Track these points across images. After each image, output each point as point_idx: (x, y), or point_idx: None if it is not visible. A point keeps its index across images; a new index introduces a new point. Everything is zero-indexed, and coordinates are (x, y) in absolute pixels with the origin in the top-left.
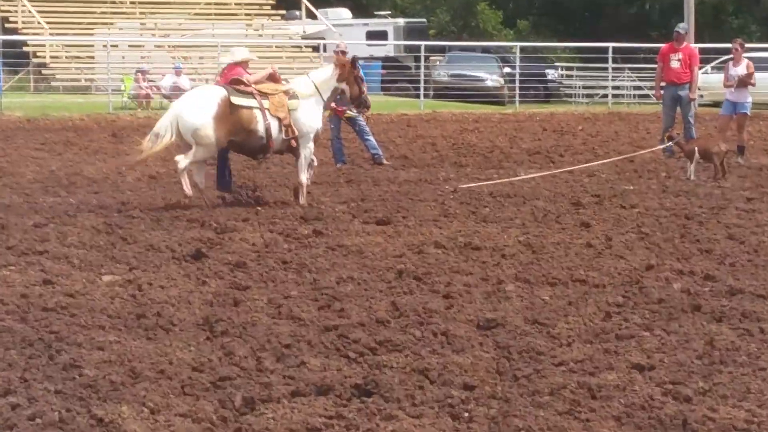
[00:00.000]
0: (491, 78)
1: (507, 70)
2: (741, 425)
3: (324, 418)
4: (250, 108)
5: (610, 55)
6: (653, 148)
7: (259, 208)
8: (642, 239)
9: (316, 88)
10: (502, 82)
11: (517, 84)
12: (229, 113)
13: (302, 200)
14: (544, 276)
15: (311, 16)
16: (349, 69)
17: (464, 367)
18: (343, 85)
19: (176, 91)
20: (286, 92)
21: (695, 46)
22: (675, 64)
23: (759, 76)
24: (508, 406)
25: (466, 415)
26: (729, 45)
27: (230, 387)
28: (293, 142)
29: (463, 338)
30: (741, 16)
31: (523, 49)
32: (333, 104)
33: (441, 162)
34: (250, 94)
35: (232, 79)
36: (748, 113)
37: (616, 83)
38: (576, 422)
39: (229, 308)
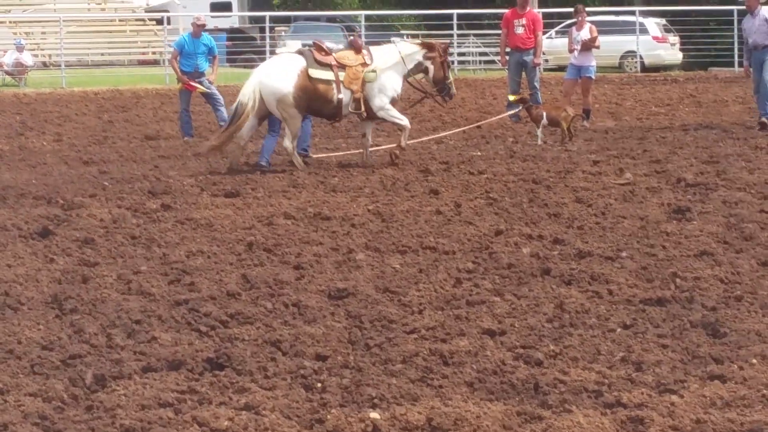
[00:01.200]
0: (337, 47)
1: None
2: (592, 387)
3: (176, 392)
4: (325, 81)
5: (455, 21)
6: (501, 115)
7: (106, 184)
8: (491, 205)
9: (402, 59)
10: None
11: None
12: (307, 84)
13: (403, 141)
14: (394, 244)
15: None
16: (439, 51)
17: (316, 337)
18: (428, 63)
19: (18, 67)
20: (364, 64)
21: (539, 11)
22: (519, 30)
23: (602, 40)
24: (361, 375)
25: (319, 385)
26: (572, 9)
27: (81, 365)
28: (364, 113)
29: (315, 309)
30: None
31: (368, 18)
32: (186, 79)
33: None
34: (328, 66)
35: (315, 43)
36: (593, 77)
37: (462, 50)
38: (429, 389)
39: (77, 285)
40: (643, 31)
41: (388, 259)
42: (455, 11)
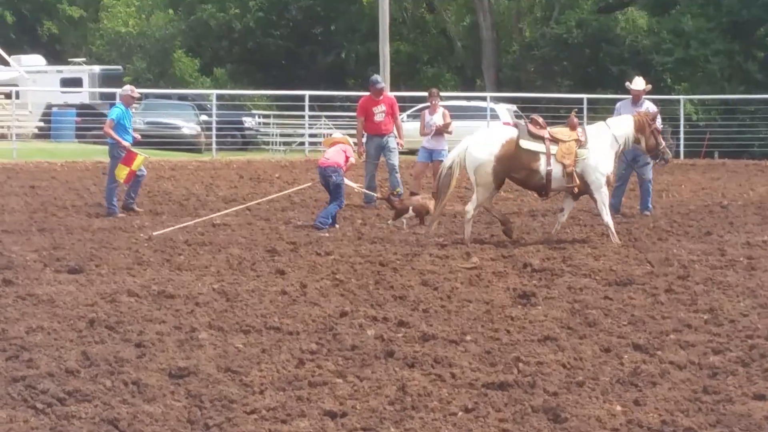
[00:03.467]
0: (188, 126)
1: (204, 117)
2: None
3: None
4: (535, 152)
5: (307, 102)
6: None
7: None
8: (337, 286)
9: (614, 137)
10: (199, 129)
11: (214, 132)
12: (513, 154)
13: (614, 240)
14: (238, 324)
15: (3, 62)
16: (646, 121)
17: (155, 416)
18: (639, 135)
19: None
20: (578, 141)
21: (392, 95)
22: (380, 117)
23: (454, 124)
24: None
25: None
26: (424, 93)
27: None
28: (575, 189)
29: (155, 387)
30: (436, 65)
31: (219, 97)
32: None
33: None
34: (541, 138)
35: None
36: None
37: (313, 131)
38: None
39: None
40: (494, 116)
41: (231, 338)
42: (307, 92)
